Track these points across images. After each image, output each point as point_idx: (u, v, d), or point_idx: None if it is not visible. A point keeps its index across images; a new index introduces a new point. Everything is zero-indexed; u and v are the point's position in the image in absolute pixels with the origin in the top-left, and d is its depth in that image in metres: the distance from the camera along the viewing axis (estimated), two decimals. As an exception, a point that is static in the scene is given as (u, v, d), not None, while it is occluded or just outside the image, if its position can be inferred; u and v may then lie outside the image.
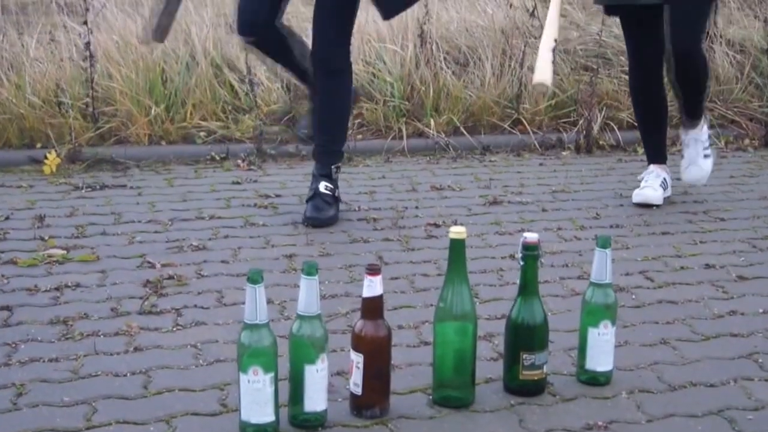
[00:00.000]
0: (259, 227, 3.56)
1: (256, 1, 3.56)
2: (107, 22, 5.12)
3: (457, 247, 2.17)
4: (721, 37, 5.74)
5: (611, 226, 3.66)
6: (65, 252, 3.23)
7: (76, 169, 4.31)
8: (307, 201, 3.63)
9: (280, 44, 3.63)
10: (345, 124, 3.79)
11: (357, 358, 2.11)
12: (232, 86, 5.02)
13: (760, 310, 2.84)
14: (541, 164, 4.68)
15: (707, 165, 4.05)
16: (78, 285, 2.94)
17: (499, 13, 5.61)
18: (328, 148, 3.69)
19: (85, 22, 4.61)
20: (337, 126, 3.71)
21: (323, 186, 3.60)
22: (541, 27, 5.43)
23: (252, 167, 4.46)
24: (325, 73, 3.63)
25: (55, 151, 4.32)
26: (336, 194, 3.65)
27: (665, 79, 3.91)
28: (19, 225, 3.54)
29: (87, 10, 4.65)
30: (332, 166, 3.65)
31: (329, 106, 3.67)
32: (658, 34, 3.74)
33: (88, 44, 4.59)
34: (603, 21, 5.37)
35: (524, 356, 2.23)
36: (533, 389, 2.26)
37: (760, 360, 2.49)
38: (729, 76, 5.50)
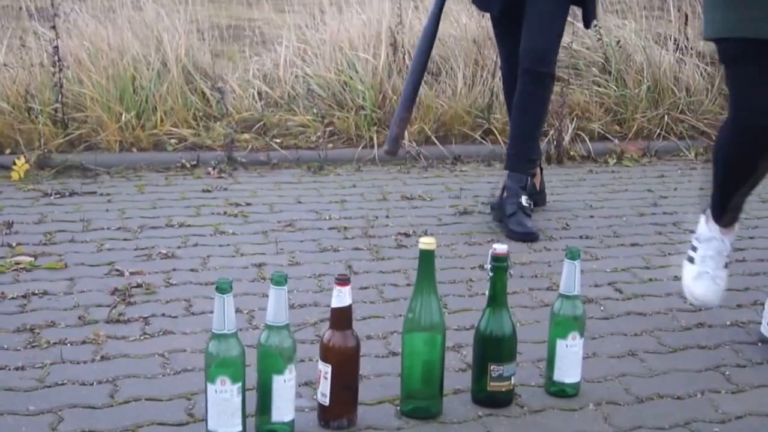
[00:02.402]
0: (229, 236, 3.55)
1: None
2: (78, 28, 5.09)
3: (426, 258, 2.17)
4: (691, 49, 5.79)
5: (581, 237, 3.68)
6: (33, 259, 3.20)
7: (45, 176, 4.28)
8: (509, 215, 3.64)
9: None
10: (540, 132, 3.89)
11: (325, 369, 2.10)
12: (203, 93, 5.00)
13: (728, 323, 2.86)
14: (512, 174, 4.69)
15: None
16: (45, 292, 2.91)
17: (472, 23, 5.63)
18: (526, 156, 3.77)
19: (53, 27, 4.58)
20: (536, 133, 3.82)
21: (525, 200, 3.67)
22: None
23: (222, 175, 4.44)
24: (533, 77, 3.63)
25: (24, 157, 4.28)
26: (531, 204, 3.73)
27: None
28: (-15, 231, 3.51)
29: (55, 15, 4.62)
30: (523, 176, 3.72)
31: (530, 111, 3.71)
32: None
33: (56, 49, 4.56)
34: (574, 32, 5.41)
35: (492, 367, 2.23)
36: (501, 401, 2.27)
37: (727, 372, 2.51)
38: (699, 87, 5.55)
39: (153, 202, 3.94)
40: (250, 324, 2.70)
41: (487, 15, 4.18)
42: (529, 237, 3.59)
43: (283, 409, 2.06)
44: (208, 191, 4.15)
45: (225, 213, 3.83)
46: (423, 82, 5.14)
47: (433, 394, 2.22)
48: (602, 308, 2.95)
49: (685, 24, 6.02)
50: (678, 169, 4.93)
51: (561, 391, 2.33)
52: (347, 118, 4.97)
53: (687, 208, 4.15)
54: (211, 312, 2.00)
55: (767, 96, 2.47)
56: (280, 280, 2.02)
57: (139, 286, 2.97)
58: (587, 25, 3.90)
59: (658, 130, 5.30)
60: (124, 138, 4.64)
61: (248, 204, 3.97)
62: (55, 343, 2.54)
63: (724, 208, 2.73)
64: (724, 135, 2.66)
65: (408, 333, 2.20)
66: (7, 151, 4.46)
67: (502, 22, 3.84)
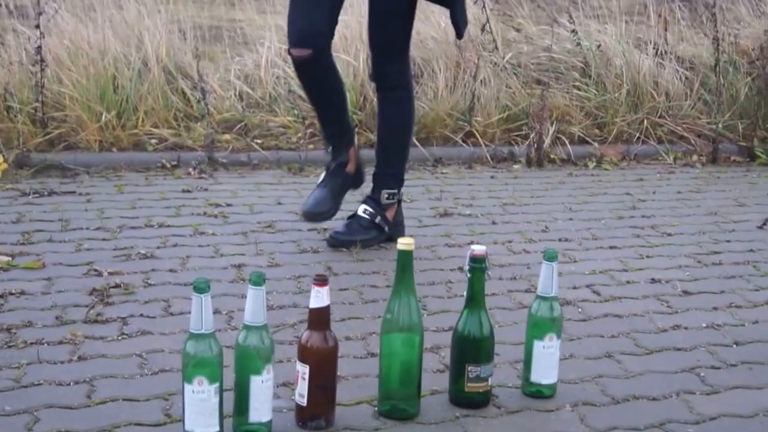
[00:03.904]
0: (209, 236, 3.55)
1: (315, 10, 3.21)
2: (58, 26, 5.07)
3: (404, 259, 2.18)
4: (671, 54, 5.83)
5: (560, 240, 3.70)
6: (10, 259, 3.18)
7: (23, 175, 4.26)
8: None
9: (331, 73, 3.34)
10: (402, 146, 3.53)
11: (303, 369, 2.11)
12: (184, 93, 5.00)
13: (704, 325, 2.88)
14: (492, 177, 4.71)
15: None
16: (23, 292, 2.90)
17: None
18: (380, 170, 3.52)
19: (37, 26, 4.56)
20: (391, 148, 3.52)
21: (362, 209, 3.47)
22: (494, 41, 5.51)
23: (203, 175, 4.43)
24: (382, 92, 3.47)
25: (3, 155, 4.26)
26: (378, 221, 3.46)
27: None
28: (-37, 230, 3.49)
29: (39, 14, 4.60)
30: (385, 192, 3.46)
31: (387, 127, 3.51)
32: None
33: (39, 48, 4.54)
34: (554, 35, 5.43)
35: (470, 369, 2.24)
36: (478, 401, 2.27)
37: (702, 374, 2.53)
38: (678, 92, 5.59)
39: (133, 202, 3.93)
40: (229, 325, 2.70)
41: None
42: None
43: (260, 410, 2.06)
44: (188, 192, 4.15)
45: (205, 213, 3.83)
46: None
47: (410, 394, 2.22)
48: (580, 310, 2.96)
49: (665, 29, 6.06)
50: (657, 172, 4.97)
51: (538, 392, 2.34)
52: (328, 119, 4.96)
53: (665, 212, 4.18)
54: (190, 312, 2.00)
55: None
56: (258, 281, 2.02)
57: (117, 286, 2.97)
58: (459, 34, 3.41)
59: (638, 134, 5.34)
60: (104, 138, 4.63)
61: (228, 205, 3.97)
62: (32, 343, 2.53)
63: None
64: None
65: (386, 334, 2.20)
66: (-15, 149, 4.44)
67: None
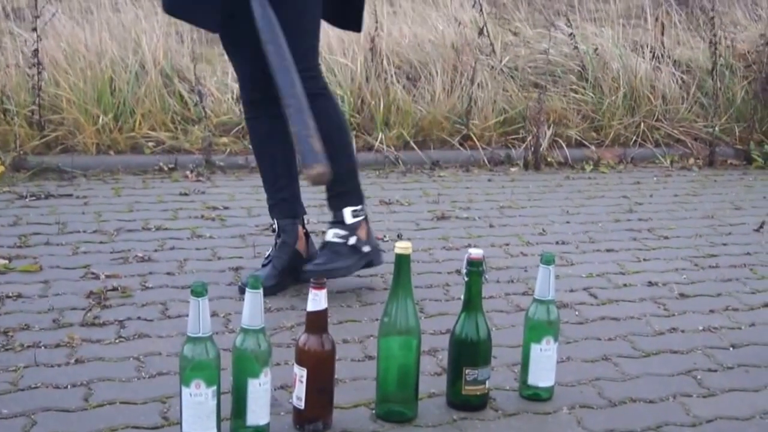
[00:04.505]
0: (206, 239, 3.55)
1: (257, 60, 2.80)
2: (55, 29, 5.07)
3: (402, 262, 2.18)
4: (668, 57, 5.84)
5: (557, 243, 3.70)
6: (7, 261, 3.18)
7: (20, 178, 4.26)
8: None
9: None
10: (342, 156, 3.01)
11: (300, 372, 2.11)
12: (181, 96, 5.00)
13: (700, 328, 2.89)
14: (489, 180, 4.72)
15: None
16: (20, 295, 2.90)
17: (450, 29, 5.65)
18: (334, 190, 3.08)
19: (35, 29, 4.56)
20: (336, 162, 2.84)
21: (332, 234, 3.07)
22: (491, 44, 5.52)
23: (200, 178, 4.43)
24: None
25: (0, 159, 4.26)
26: (353, 242, 3.05)
27: None
28: (-40, 233, 3.49)
29: (36, 17, 4.60)
30: (347, 209, 3.06)
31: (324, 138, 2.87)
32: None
33: (36, 51, 4.54)
34: (551, 39, 5.44)
35: (467, 371, 2.24)
36: (476, 404, 2.27)
37: (699, 377, 2.53)
38: (675, 95, 5.60)
39: (130, 205, 3.93)
40: (227, 327, 2.70)
41: (464, 20, 4.14)
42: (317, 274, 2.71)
43: (258, 413, 2.06)
44: (186, 194, 4.15)
45: (202, 216, 3.83)
46: (402, 87, 5.17)
47: (408, 397, 2.22)
48: (577, 313, 2.96)
49: (662, 32, 6.07)
50: (654, 176, 4.97)
51: (535, 395, 2.35)
52: (325, 122, 4.96)
53: (662, 215, 4.19)
54: (188, 315, 2.00)
55: None
56: (255, 284, 2.02)
57: (114, 289, 2.96)
58: (359, 27, 3.16)
59: (635, 138, 5.34)
60: (101, 140, 4.63)
61: (226, 207, 3.97)
62: (29, 346, 2.53)
63: None
64: None
65: (384, 337, 2.20)
66: (-18, 153, 4.44)
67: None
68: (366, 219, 3.12)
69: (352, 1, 3.11)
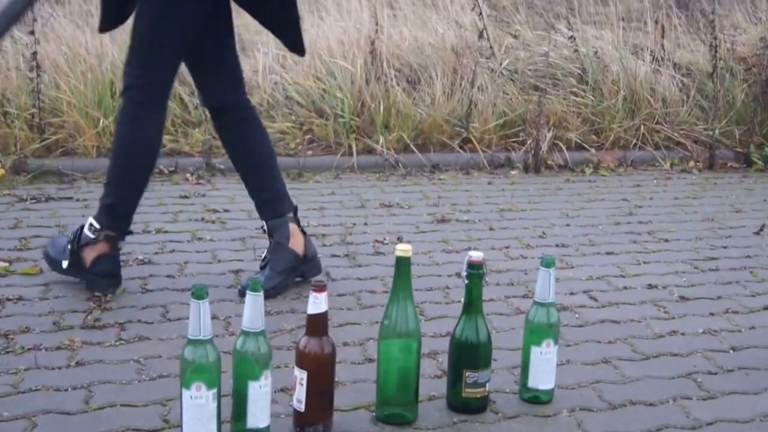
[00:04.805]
0: (206, 242, 3.55)
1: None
2: (55, 32, 5.08)
3: (402, 265, 2.18)
4: (668, 60, 5.84)
5: (557, 246, 3.70)
6: (8, 264, 3.18)
7: (20, 181, 4.26)
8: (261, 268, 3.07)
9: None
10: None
11: (300, 375, 2.11)
12: (181, 99, 5.00)
13: (700, 330, 2.89)
14: (489, 183, 4.72)
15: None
16: (20, 298, 2.90)
17: (450, 32, 5.65)
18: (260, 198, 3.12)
19: (32, 32, 4.57)
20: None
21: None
22: (491, 47, 5.53)
23: (200, 181, 4.44)
24: (230, 114, 3.08)
25: (0, 162, 4.26)
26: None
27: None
28: (-39, 236, 3.49)
29: (34, 20, 4.61)
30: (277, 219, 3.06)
31: (244, 151, 3.12)
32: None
33: (34, 54, 4.55)
34: (551, 42, 5.45)
35: (467, 374, 2.24)
36: (476, 407, 2.28)
37: (699, 379, 2.53)
38: (675, 98, 5.60)
39: (130, 208, 3.93)
40: (227, 330, 2.70)
41: (464, 23, 4.14)
42: None
43: (258, 416, 2.06)
44: (186, 197, 4.15)
45: (203, 219, 3.83)
46: (402, 90, 5.17)
47: (408, 400, 2.22)
48: (577, 316, 2.97)
49: (662, 35, 6.07)
50: (654, 178, 4.98)
51: (535, 398, 2.35)
52: (326, 125, 4.98)
53: (662, 218, 4.19)
54: (188, 318, 2.00)
55: None
56: (256, 287, 2.03)
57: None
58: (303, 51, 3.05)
59: (635, 140, 5.35)
60: (101, 143, 4.63)
61: (226, 210, 3.97)
62: (29, 349, 2.53)
63: None
64: None
65: (384, 339, 2.20)
66: (-17, 156, 4.44)
67: None
68: (305, 234, 3.09)
69: (289, 18, 2.96)
